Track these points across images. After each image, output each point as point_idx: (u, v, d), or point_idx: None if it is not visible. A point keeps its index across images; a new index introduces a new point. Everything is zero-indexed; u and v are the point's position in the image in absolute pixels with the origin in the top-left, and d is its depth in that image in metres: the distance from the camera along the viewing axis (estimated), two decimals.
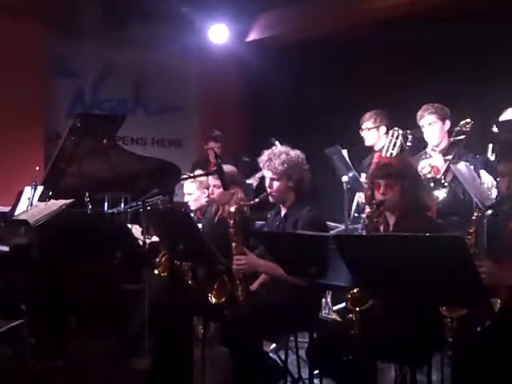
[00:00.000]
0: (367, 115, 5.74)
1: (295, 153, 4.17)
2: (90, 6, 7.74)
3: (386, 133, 5.64)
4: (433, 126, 5.05)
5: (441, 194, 4.74)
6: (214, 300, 4.17)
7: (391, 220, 3.65)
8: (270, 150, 4.20)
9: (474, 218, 3.26)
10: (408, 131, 5.28)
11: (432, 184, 4.73)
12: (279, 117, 8.63)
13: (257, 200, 4.27)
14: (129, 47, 8.51)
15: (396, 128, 5.47)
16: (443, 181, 4.73)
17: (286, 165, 4.09)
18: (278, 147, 4.31)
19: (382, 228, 3.67)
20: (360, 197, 5.63)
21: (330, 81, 8.09)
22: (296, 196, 4.17)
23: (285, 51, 8.43)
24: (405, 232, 3.28)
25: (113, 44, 8.48)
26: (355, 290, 3.27)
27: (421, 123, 5.10)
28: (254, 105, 9.29)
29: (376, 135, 5.71)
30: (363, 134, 5.75)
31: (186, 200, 5.52)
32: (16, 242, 5.18)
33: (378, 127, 5.69)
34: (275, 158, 4.11)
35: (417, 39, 6.98)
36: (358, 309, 3.24)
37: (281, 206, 4.24)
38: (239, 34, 8.68)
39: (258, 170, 6.51)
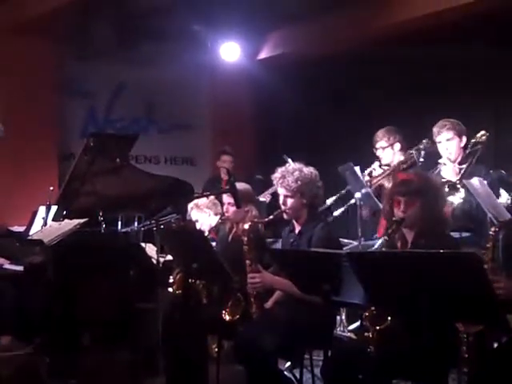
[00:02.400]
0: (379, 134, 5.69)
1: (308, 170, 4.18)
2: (101, 26, 7.81)
3: (401, 149, 5.61)
4: (451, 142, 5.00)
5: (456, 199, 4.71)
6: (227, 317, 4.17)
7: (409, 237, 3.59)
8: (283, 168, 4.20)
9: (491, 233, 3.23)
10: (421, 146, 5.27)
11: (447, 189, 4.71)
12: (291, 134, 8.65)
13: (271, 217, 4.27)
14: (141, 66, 8.57)
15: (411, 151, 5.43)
16: (458, 185, 4.70)
17: (299, 182, 4.09)
18: (292, 164, 4.32)
19: (399, 245, 3.62)
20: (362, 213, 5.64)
21: (342, 98, 8.11)
22: (309, 213, 4.17)
23: (296, 69, 8.46)
24: (422, 249, 3.25)
25: (125, 63, 8.55)
26: (372, 308, 3.24)
27: (438, 139, 5.06)
28: (265, 122, 9.32)
29: (391, 153, 5.64)
30: (378, 153, 5.69)
31: (198, 228, 5.57)
32: (31, 261, 5.21)
33: (392, 145, 5.63)
34: (288, 175, 4.12)
35: (429, 56, 7.00)
36: (378, 327, 3.20)
37: (294, 222, 4.24)
38: (251, 52, 8.72)
39: (270, 187, 6.55)
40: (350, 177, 5.68)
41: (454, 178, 4.80)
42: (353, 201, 5.69)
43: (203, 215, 5.53)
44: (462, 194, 4.69)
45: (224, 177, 7.61)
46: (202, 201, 5.49)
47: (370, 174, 5.55)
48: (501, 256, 3.52)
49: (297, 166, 4.20)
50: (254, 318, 4.06)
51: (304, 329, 3.83)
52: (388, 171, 5.54)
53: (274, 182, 4.22)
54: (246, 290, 4.09)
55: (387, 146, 5.65)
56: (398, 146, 5.64)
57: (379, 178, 5.53)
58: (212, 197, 5.49)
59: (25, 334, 5.43)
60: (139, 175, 5.17)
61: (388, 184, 5.38)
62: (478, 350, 2.93)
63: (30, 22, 7.41)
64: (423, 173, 4.51)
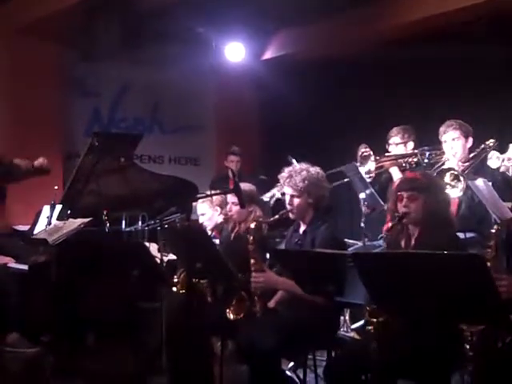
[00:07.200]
0: (394, 130, 5.66)
1: (315, 169, 4.19)
2: (106, 26, 7.82)
3: (414, 149, 5.58)
4: (456, 142, 4.99)
5: (456, 191, 4.69)
6: (231, 316, 4.16)
7: (414, 233, 3.63)
8: (290, 167, 4.23)
9: (493, 231, 3.22)
10: (426, 148, 5.26)
11: (448, 178, 4.70)
12: (295, 134, 8.64)
13: (276, 217, 4.28)
14: (145, 67, 8.57)
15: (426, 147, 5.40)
16: (461, 177, 4.67)
17: (306, 181, 4.11)
18: (296, 165, 4.32)
19: (403, 242, 3.65)
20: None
21: (346, 98, 8.11)
22: (315, 212, 4.18)
23: (300, 69, 8.46)
24: (425, 248, 3.25)
25: (130, 63, 8.54)
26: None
27: (443, 138, 5.04)
28: (269, 123, 9.31)
29: (403, 151, 5.61)
30: (391, 149, 5.65)
31: (200, 221, 5.53)
32: (35, 260, 5.21)
33: (405, 143, 5.60)
34: (296, 174, 4.13)
35: (432, 58, 7.00)
36: (379, 320, 3.16)
37: (300, 222, 4.25)
38: (255, 53, 8.71)
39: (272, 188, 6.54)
40: (354, 177, 5.67)
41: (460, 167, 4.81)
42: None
43: (214, 212, 5.51)
44: (463, 184, 4.66)
45: (230, 176, 7.62)
46: (217, 197, 5.46)
47: (375, 159, 5.55)
48: (504, 254, 3.51)
49: (304, 165, 4.21)
50: (257, 317, 4.06)
51: (307, 329, 3.83)
52: (393, 157, 5.55)
53: (281, 182, 4.23)
54: (249, 289, 4.09)
55: (400, 143, 5.60)
56: (411, 145, 5.60)
57: (384, 159, 5.53)
58: (224, 196, 5.47)
59: (31, 333, 5.43)
60: (143, 175, 5.17)
61: (389, 166, 5.49)
62: (481, 349, 2.92)
63: (36, 23, 7.42)
64: (428, 172, 4.52)
